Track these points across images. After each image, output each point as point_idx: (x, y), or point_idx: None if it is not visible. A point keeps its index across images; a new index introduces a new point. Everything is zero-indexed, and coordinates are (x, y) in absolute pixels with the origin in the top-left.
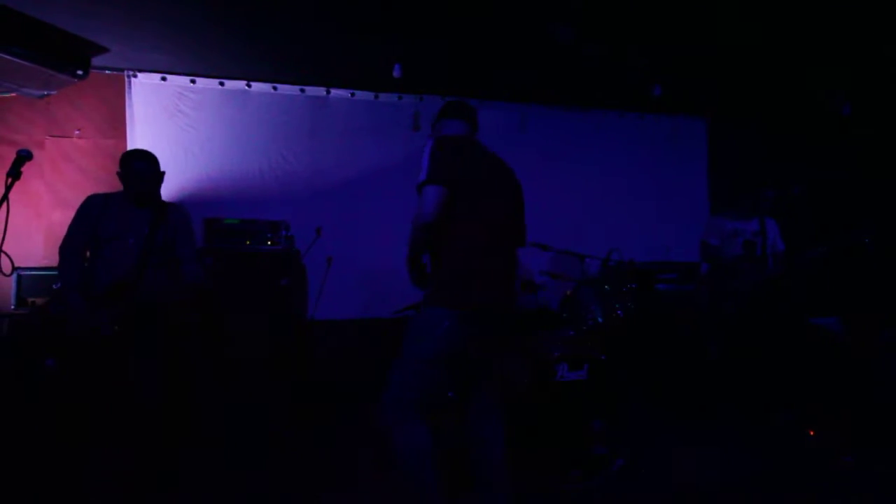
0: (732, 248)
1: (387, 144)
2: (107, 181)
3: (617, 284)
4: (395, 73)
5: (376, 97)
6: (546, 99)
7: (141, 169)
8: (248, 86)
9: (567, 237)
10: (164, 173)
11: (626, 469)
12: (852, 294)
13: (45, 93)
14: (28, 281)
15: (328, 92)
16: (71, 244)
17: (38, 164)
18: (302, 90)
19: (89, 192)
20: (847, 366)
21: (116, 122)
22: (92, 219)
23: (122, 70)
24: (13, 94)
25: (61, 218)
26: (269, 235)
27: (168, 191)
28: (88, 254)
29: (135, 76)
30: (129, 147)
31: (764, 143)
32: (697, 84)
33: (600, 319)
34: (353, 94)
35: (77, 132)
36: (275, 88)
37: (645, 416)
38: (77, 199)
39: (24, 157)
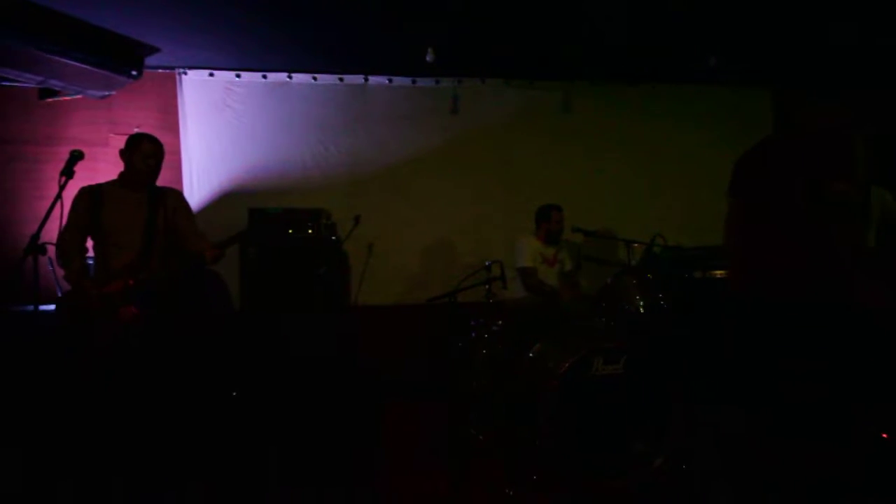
0: None
1: (426, 129)
2: (163, 176)
3: (661, 272)
4: (427, 59)
5: (414, 82)
6: (591, 75)
7: (150, 149)
8: (290, 77)
9: (615, 221)
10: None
11: (665, 467)
12: None
13: (106, 93)
14: None
15: (366, 79)
16: (63, 237)
17: (105, 161)
18: (341, 79)
19: None
20: None
21: (170, 118)
22: (85, 210)
23: (174, 68)
24: (79, 97)
25: None
26: (310, 224)
27: (217, 183)
28: (92, 245)
29: (185, 73)
30: (182, 143)
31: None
32: (761, 52)
33: (642, 310)
34: (390, 81)
35: (136, 129)
36: (315, 79)
37: (689, 413)
38: None
39: (76, 156)
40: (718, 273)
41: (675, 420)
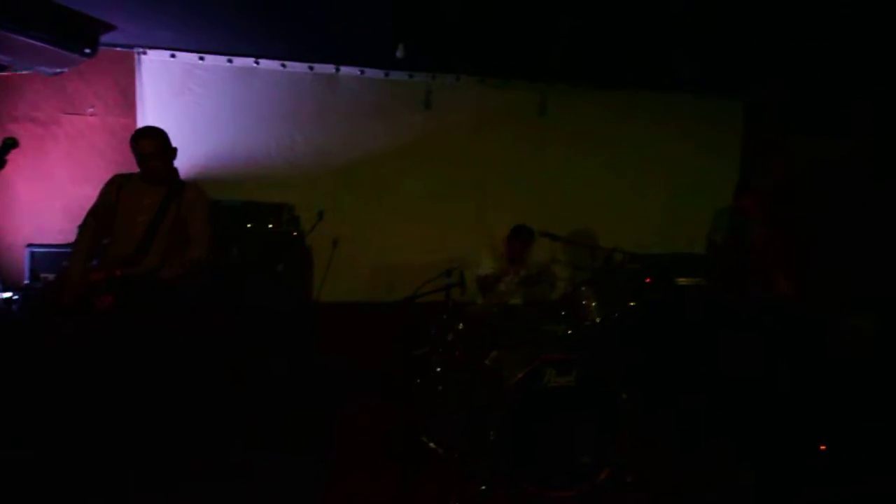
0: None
1: (397, 123)
2: (116, 160)
3: (620, 281)
4: (398, 54)
5: (387, 75)
6: (569, 79)
7: (147, 147)
8: (257, 63)
9: (587, 226)
10: (175, 150)
11: (612, 478)
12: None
13: (58, 70)
14: (41, 257)
15: (337, 69)
16: (84, 223)
17: (55, 141)
18: (311, 67)
19: (103, 170)
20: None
21: (127, 99)
22: (108, 199)
23: (132, 47)
24: (29, 72)
25: (77, 194)
26: (271, 217)
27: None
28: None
29: (144, 53)
30: (139, 125)
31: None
32: (734, 63)
33: (598, 319)
34: (362, 72)
35: (91, 110)
36: (283, 66)
37: (641, 424)
38: (91, 177)
39: (9, 144)
40: (682, 280)
41: (622, 432)
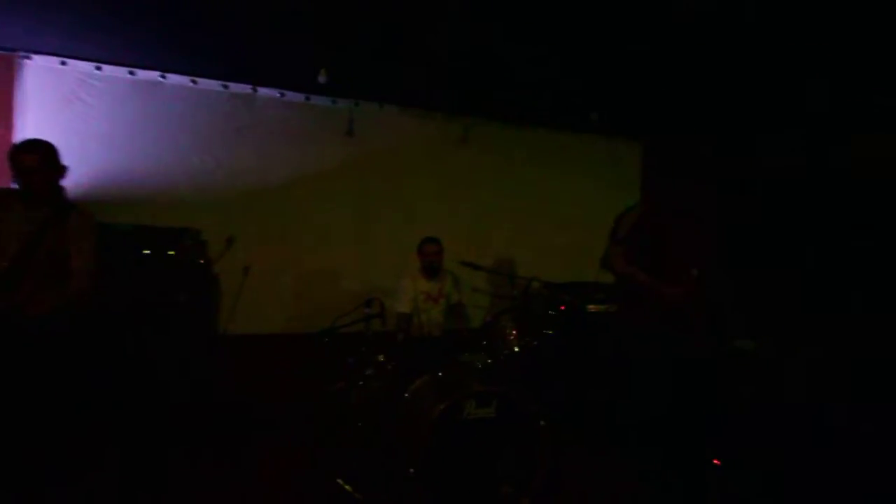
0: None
1: (318, 149)
2: None
3: (537, 311)
4: (319, 80)
5: (308, 99)
6: (488, 112)
7: (30, 162)
8: (163, 77)
9: (506, 256)
10: (65, 168)
11: None
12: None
13: None
14: None
15: (255, 90)
16: None
17: None
18: (225, 86)
19: None
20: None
21: (4, 108)
22: None
23: (14, 51)
24: None
25: None
26: (171, 243)
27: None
28: None
29: (28, 58)
30: (18, 137)
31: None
32: (632, 108)
33: (517, 349)
34: (282, 94)
35: None
36: (194, 82)
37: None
38: None
39: None
40: (592, 307)
41: (542, 461)
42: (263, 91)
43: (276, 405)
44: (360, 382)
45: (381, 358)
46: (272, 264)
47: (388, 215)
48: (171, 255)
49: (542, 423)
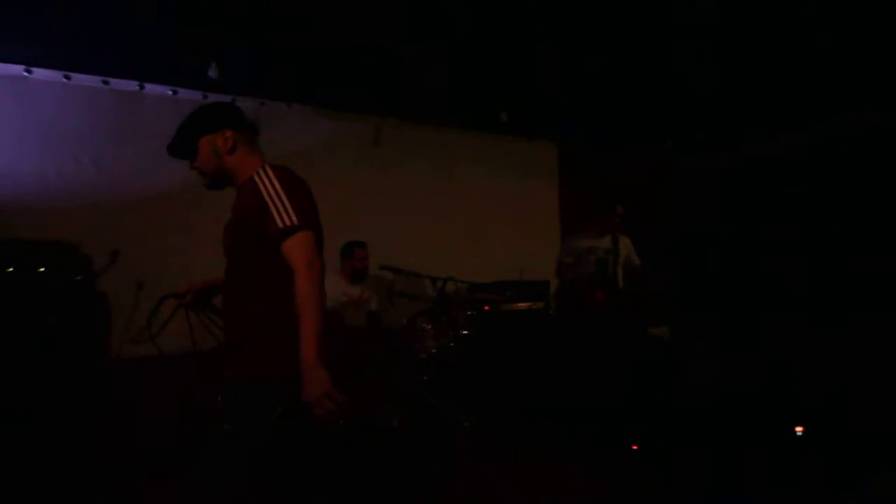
0: (586, 266)
1: None
2: None
3: (453, 312)
4: (210, 74)
5: (205, 97)
6: (401, 113)
7: None
8: (28, 71)
9: (420, 258)
10: None
11: None
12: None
13: None
14: None
15: (142, 87)
16: None
17: None
18: (105, 82)
19: None
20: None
21: None
22: None
23: None
24: None
25: None
26: (37, 258)
27: None
28: None
29: None
30: None
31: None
32: (547, 110)
33: (434, 351)
34: (175, 92)
35: None
36: (67, 78)
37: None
38: None
39: None
40: (517, 305)
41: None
42: (152, 88)
43: (174, 434)
44: None
45: None
46: (169, 278)
47: None
48: (41, 272)
49: (465, 423)
